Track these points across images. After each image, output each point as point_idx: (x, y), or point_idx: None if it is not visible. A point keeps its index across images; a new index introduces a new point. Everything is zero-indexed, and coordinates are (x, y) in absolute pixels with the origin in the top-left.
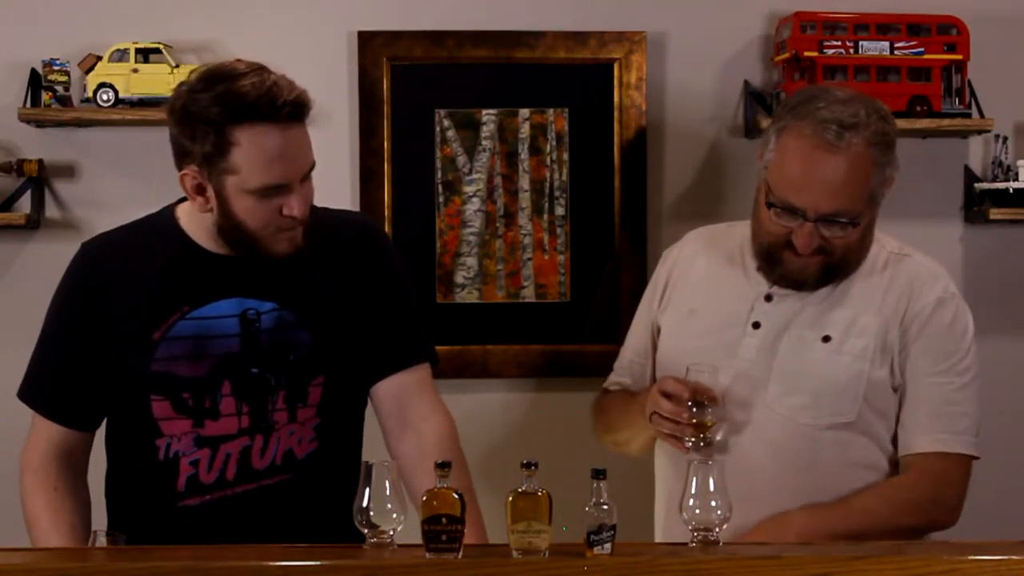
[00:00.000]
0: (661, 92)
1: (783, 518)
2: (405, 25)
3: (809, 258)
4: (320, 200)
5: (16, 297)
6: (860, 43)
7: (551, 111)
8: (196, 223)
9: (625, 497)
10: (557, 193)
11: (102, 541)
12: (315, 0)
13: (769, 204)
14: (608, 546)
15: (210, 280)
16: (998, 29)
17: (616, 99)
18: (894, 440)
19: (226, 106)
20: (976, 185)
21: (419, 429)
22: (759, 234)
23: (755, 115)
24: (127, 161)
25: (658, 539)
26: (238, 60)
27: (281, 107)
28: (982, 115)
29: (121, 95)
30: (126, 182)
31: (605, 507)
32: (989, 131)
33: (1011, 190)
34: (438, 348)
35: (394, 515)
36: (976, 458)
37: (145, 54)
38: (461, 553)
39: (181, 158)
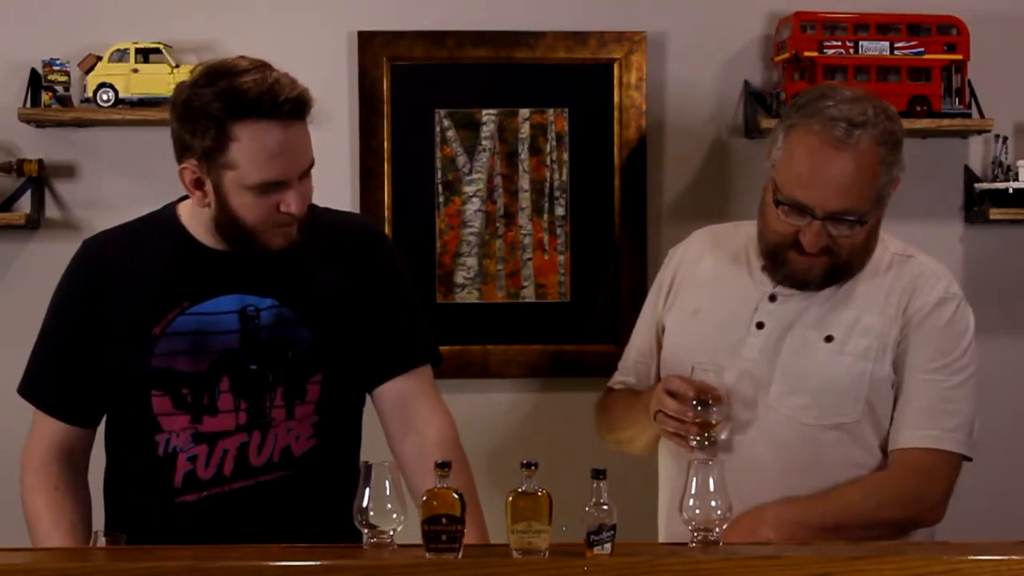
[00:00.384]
0: (661, 92)
1: (757, 510)
2: (405, 25)
3: (815, 258)
4: (320, 200)
5: (16, 297)
6: (860, 43)
7: (551, 111)
8: (197, 220)
9: (626, 497)
10: (557, 193)
11: (102, 542)
12: (315, 0)
13: (777, 202)
14: (608, 546)
15: (210, 276)
16: (998, 29)
17: (616, 99)
18: None
19: (227, 102)
20: (976, 185)
21: (421, 431)
22: (765, 233)
23: (755, 115)
24: (127, 161)
25: (662, 538)
26: (241, 57)
27: (282, 104)
28: (982, 115)
29: (121, 95)
30: (126, 182)
31: (605, 507)
32: (989, 131)
33: (1011, 190)
34: (438, 348)
35: (394, 515)
36: (968, 459)
37: (145, 54)
38: (461, 553)
39: (181, 152)
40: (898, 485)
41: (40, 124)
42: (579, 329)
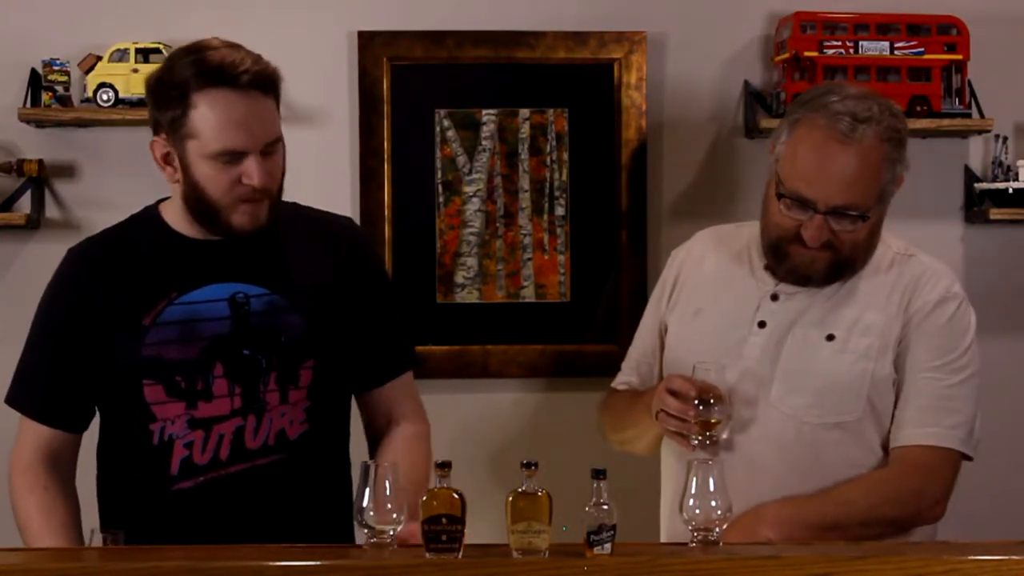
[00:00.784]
0: (661, 92)
1: (757, 510)
2: (405, 25)
3: (817, 252)
4: (320, 200)
5: (16, 297)
6: (860, 43)
7: (551, 111)
8: (179, 216)
9: (627, 497)
10: (557, 193)
11: (99, 540)
12: (315, 0)
13: (780, 195)
14: (608, 546)
15: (198, 266)
16: (998, 29)
17: (616, 99)
18: None
19: (190, 72)
20: (976, 185)
21: (399, 423)
22: (768, 228)
23: (755, 115)
24: (127, 161)
25: (664, 538)
26: (215, 38)
27: (242, 74)
28: (982, 115)
29: (121, 95)
30: (126, 182)
31: (605, 507)
32: (989, 131)
33: (1011, 190)
34: (438, 348)
35: (394, 515)
36: (968, 457)
37: (145, 54)
38: (461, 553)
39: (154, 129)
40: (898, 483)
41: (40, 124)
42: (579, 329)
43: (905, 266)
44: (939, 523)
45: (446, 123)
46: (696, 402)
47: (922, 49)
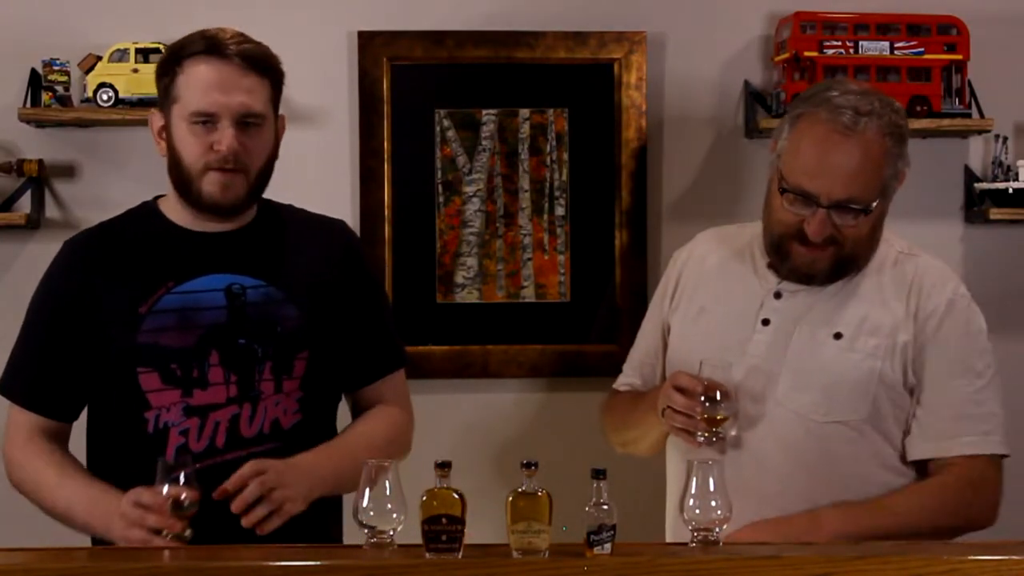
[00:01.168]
0: (661, 92)
1: (815, 517)
2: (405, 25)
3: (819, 251)
4: (320, 200)
5: (16, 297)
6: (860, 43)
7: (551, 111)
8: (177, 208)
9: (628, 497)
10: (557, 193)
11: (164, 467)
12: (315, 0)
13: (782, 190)
14: (608, 546)
15: (195, 257)
16: (998, 29)
17: (616, 99)
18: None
19: (187, 42)
20: (976, 185)
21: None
22: (770, 225)
23: (755, 115)
24: (127, 161)
25: (669, 538)
26: (225, 28)
27: (227, 45)
28: (982, 115)
29: (121, 95)
30: (126, 182)
31: (605, 507)
32: (989, 131)
33: (1011, 190)
34: (438, 348)
35: (394, 515)
36: (1006, 455)
37: (145, 54)
38: (461, 553)
39: (159, 104)
40: (951, 494)
41: (40, 124)
42: (579, 329)
43: (908, 265)
44: None
45: (446, 123)
46: (703, 399)
47: (922, 49)
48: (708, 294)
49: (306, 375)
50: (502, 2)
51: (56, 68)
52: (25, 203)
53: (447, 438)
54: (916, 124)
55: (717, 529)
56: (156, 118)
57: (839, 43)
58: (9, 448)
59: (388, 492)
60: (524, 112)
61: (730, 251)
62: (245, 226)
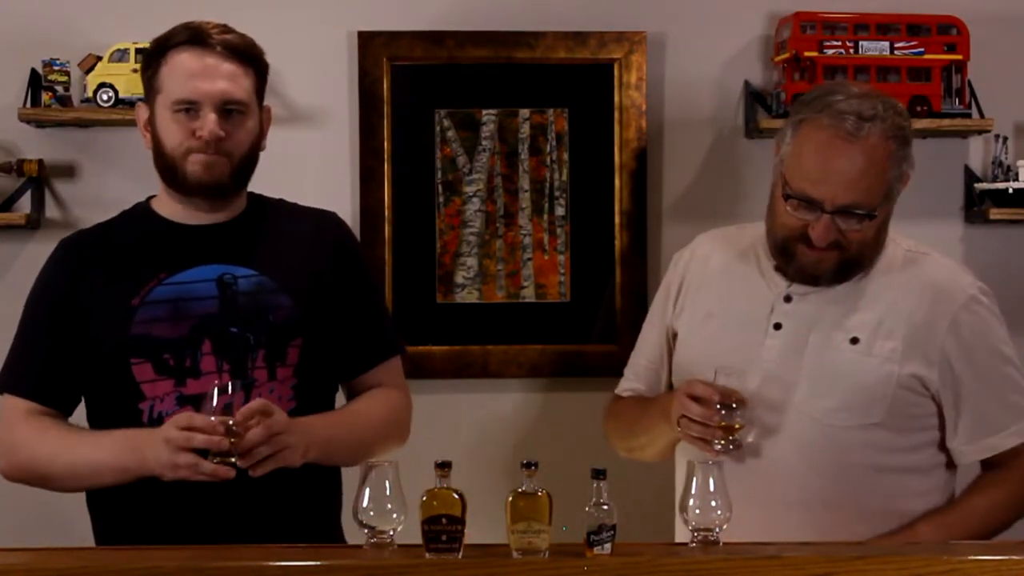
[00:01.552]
0: (661, 92)
1: (914, 536)
2: (405, 25)
3: (824, 252)
4: (320, 200)
5: (17, 297)
6: (860, 43)
7: (551, 111)
8: (167, 204)
9: (628, 497)
10: (557, 193)
11: (216, 395)
12: (315, 0)
13: (786, 196)
14: (608, 546)
15: (186, 248)
16: (998, 29)
17: (616, 99)
18: (926, 442)
19: (171, 34)
20: (976, 185)
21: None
22: (774, 228)
23: (755, 115)
24: (127, 161)
25: (678, 540)
26: (210, 21)
27: (213, 35)
28: (982, 115)
29: (121, 95)
30: (126, 182)
31: (605, 507)
32: (989, 131)
33: (1011, 190)
34: (438, 348)
35: (394, 515)
36: None
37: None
38: (461, 553)
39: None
40: (1016, 486)
41: (40, 124)
42: (579, 329)
43: (919, 266)
44: None
45: (446, 123)
46: (718, 407)
47: (922, 49)
48: (714, 297)
49: (300, 363)
50: (502, 2)
51: (56, 68)
52: (25, 203)
53: (447, 438)
54: (916, 124)
55: (717, 529)
56: (142, 111)
57: (839, 43)
58: (7, 433)
59: (388, 492)
60: (524, 112)
61: (734, 253)
62: (235, 217)
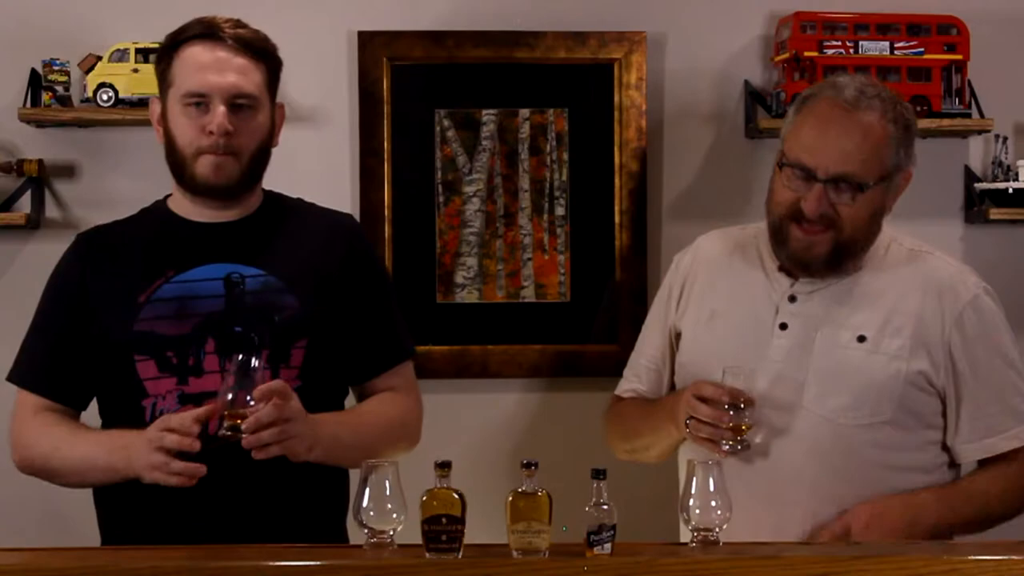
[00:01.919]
0: (661, 92)
1: (918, 500)
2: (405, 25)
3: (816, 235)
4: (320, 199)
5: (16, 297)
6: (860, 43)
7: (551, 111)
8: (180, 201)
9: (629, 497)
10: (557, 193)
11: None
12: (315, 0)
13: (782, 165)
14: (608, 546)
15: (195, 246)
16: (998, 29)
17: (616, 99)
18: (932, 441)
19: (180, 29)
20: (976, 185)
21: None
22: (771, 207)
23: (755, 115)
24: (127, 161)
25: (682, 540)
26: (223, 15)
27: (219, 29)
28: (982, 115)
29: (121, 95)
30: (126, 182)
31: (605, 507)
32: (989, 131)
33: (1011, 190)
34: (438, 348)
35: (394, 515)
36: None
37: (145, 54)
38: (461, 553)
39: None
40: (1019, 478)
41: (40, 124)
42: (579, 329)
43: (922, 265)
44: None
45: (446, 123)
46: (727, 407)
47: (922, 49)
48: (718, 297)
49: (305, 364)
50: (502, 2)
51: (56, 68)
52: (25, 203)
53: (447, 438)
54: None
55: (717, 529)
56: (155, 105)
57: (839, 43)
58: (17, 428)
59: (388, 492)
60: (524, 112)
61: (737, 254)
62: (247, 216)
